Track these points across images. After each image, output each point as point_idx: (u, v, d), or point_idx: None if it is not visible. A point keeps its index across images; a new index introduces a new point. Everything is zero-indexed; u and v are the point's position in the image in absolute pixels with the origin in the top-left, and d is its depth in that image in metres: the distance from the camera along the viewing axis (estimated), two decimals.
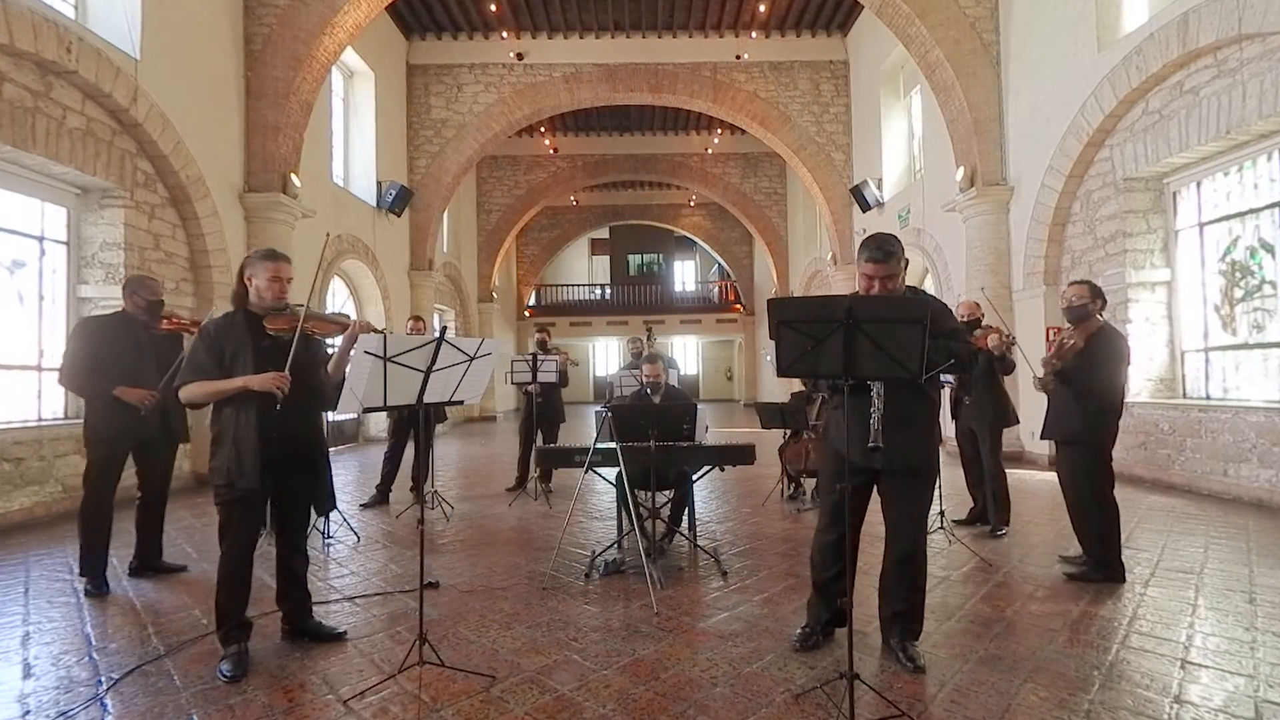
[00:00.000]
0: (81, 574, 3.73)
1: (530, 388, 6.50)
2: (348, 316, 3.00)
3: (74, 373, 3.70)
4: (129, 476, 3.91)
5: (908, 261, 2.73)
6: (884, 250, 2.59)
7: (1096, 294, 3.83)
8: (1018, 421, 5.05)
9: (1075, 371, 3.76)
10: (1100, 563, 3.68)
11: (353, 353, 2.55)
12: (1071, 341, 3.79)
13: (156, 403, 3.76)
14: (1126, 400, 3.92)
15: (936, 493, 4.97)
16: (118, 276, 6.54)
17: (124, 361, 3.73)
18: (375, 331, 2.82)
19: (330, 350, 3.15)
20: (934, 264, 10.78)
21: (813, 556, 2.89)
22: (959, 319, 5.32)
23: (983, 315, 5.30)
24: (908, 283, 2.74)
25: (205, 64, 7.81)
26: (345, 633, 3.02)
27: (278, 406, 2.64)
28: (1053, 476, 5.32)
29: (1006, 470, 4.92)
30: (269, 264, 2.80)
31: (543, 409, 6.68)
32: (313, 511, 3.10)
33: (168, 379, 3.72)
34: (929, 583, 3.65)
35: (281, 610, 2.98)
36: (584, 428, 14.88)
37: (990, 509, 4.82)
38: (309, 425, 2.90)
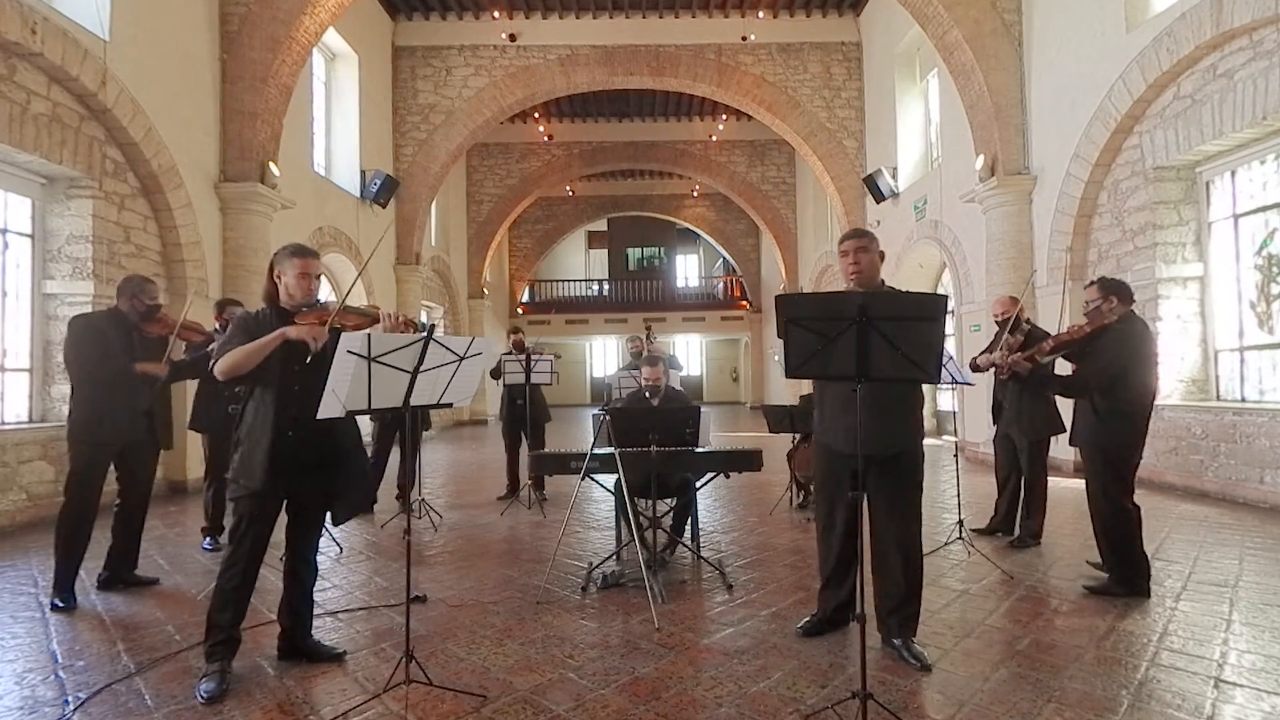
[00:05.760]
0: (55, 587, 3.72)
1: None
2: (378, 308, 2.97)
3: (84, 362, 3.70)
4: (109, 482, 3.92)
5: (883, 255, 3.05)
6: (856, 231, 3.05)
7: (1109, 290, 3.82)
8: (1064, 429, 4.65)
9: (1080, 361, 3.77)
10: (1121, 577, 3.67)
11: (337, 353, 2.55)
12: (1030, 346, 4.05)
13: (145, 404, 3.82)
14: (1156, 403, 3.89)
15: (955, 501, 5.02)
16: (85, 271, 6.54)
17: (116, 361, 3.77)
18: (414, 325, 2.90)
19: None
20: (951, 258, 10.78)
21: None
22: (994, 318, 5.30)
23: (1023, 311, 4.80)
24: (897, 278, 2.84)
25: (178, 46, 7.80)
26: (344, 653, 3.01)
27: (293, 414, 2.71)
28: (1078, 484, 5.30)
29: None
30: (297, 260, 2.84)
31: (529, 410, 6.70)
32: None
33: (158, 383, 3.76)
34: (947, 596, 3.69)
35: (281, 624, 2.97)
36: (580, 431, 14.90)
37: (1020, 519, 4.83)
38: (331, 423, 2.85)
